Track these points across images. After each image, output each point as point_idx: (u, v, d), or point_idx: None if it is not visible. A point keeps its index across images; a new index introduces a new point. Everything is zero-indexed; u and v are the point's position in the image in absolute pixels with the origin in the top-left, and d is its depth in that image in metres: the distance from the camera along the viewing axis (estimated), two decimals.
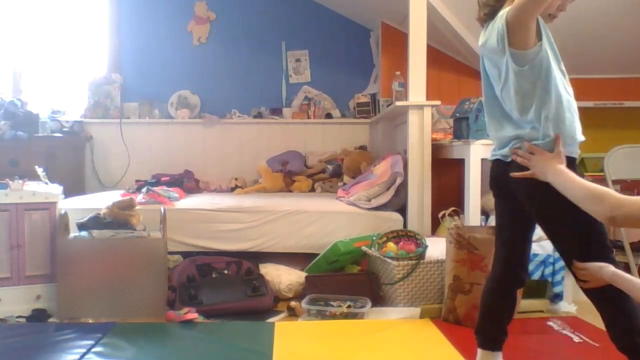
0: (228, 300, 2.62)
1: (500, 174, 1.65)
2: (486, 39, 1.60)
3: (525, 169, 1.51)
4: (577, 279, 1.46)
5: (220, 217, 3.06)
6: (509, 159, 1.58)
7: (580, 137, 1.54)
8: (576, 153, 1.54)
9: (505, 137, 1.61)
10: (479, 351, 1.73)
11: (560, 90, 1.51)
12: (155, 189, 3.31)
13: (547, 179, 1.43)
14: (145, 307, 2.53)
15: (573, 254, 1.50)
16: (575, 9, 1.46)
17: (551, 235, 1.57)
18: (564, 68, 1.55)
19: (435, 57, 3.89)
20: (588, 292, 1.46)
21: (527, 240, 1.70)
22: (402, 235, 2.86)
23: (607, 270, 1.27)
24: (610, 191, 1.21)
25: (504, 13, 1.49)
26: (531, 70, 1.49)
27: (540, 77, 1.49)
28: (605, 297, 1.42)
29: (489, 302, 1.73)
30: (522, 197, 1.57)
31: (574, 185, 1.31)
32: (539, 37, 1.48)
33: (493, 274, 1.74)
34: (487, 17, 1.61)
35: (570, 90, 1.55)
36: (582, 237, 1.47)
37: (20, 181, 2.64)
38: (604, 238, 1.47)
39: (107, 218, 2.67)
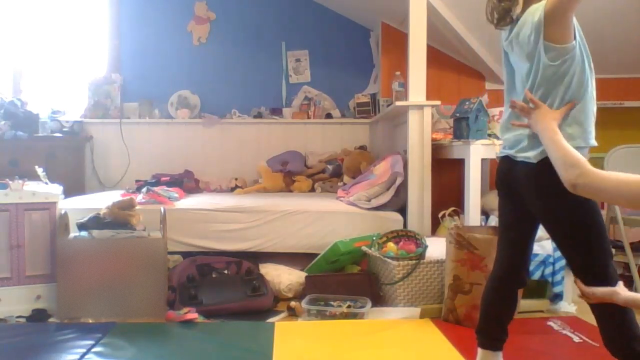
0: (228, 300, 2.62)
1: (507, 172, 1.64)
2: (517, 32, 1.57)
3: (532, 178, 1.51)
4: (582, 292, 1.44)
5: (220, 217, 3.06)
6: (518, 158, 1.58)
7: (594, 142, 1.52)
8: (586, 157, 1.52)
9: (522, 135, 1.58)
10: (480, 351, 1.73)
11: (589, 90, 1.51)
12: (155, 189, 3.31)
13: (537, 131, 1.46)
14: (145, 307, 2.53)
15: (574, 256, 1.51)
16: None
17: (553, 236, 1.57)
18: (592, 67, 1.54)
19: (435, 57, 3.89)
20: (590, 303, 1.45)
21: (530, 241, 1.70)
22: (402, 235, 2.86)
23: (619, 297, 1.25)
24: (584, 161, 1.24)
25: (540, 6, 1.48)
26: (562, 66, 1.47)
27: (569, 74, 1.48)
28: (605, 310, 1.42)
29: (490, 302, 1.73)
30: (527, 197, 1.56)
31: (556, 146, 1.34)
32: (574, 35, 1.47)
33: (494, 273, 1.74)
34: (505, 12, 1.60)
35: (595, 91, 1.54)
36: (584, 240, 1.47)
37: (20, 181, 2.64)
38: (605, 242, 1.47)
39: (107, 218, 2.67)
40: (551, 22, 1.45)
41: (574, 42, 1.47)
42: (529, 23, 1.51)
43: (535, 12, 1.49)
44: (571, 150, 1.30)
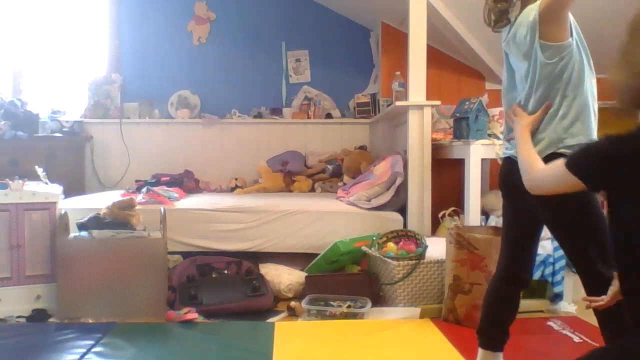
0: (228, 300, 2.63)
1: (509, 173, 1.65)
2: (514, 33, 1.59)
3: None
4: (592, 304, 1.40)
5: (220, 217, 3.06)
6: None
7: (595, 139, 1.53)
8: None
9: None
10: (480, 351, 1.73)
11: (589, 88, 1.51)
12: (155, 189, 3.31)
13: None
14: (145, 307, 2.53)
15: (576, 256, 1.51)
16: (574, 7, 1.46)
17: (555, 236, 1.58)
18: (592, 65, 1.55)
19: (435, 57, 3.88)
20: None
21: (533, 242, 1.69)
22: (402, 235, 2.86)
23: None
24: (537, 164, 1.31)
25: (535, 6, 1.50)
26: (560, 63, 1.48)
27: (567, 71, 1.49)
28: (607, 310, 1.42)
29: (491, 303, 1.73)
30: (529, 197, 1.56)
31: (522, 152, 1.40)
32: (570, 32, 1.49)
33: (497, 274, 1.73)
34: (501, 14, 1.61)
35: (595, 89, 1.55)
36: (585, 240, 1.47)
37: (20, 181, 2.64)
38: (607, 243, 1.47)
39: (107, 218, 2.67)
40: (546, 21, 1.47)
41: (570, 39, 1.48)
42: (525, 23, 1.53)
43: (530, 12, 1.51)
44: (528, 156, 1.36)
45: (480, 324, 1.75)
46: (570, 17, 1.49)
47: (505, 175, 1.68)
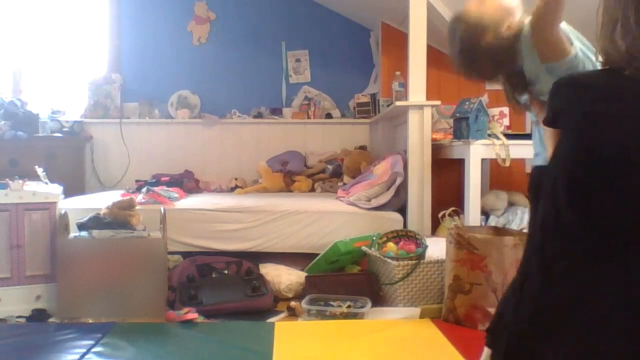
0: (228, 300, 2.62)
1: (536, 181, 1.65)
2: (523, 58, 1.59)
3: None
4: None
5: (220, 217, 3.06)
6: None
7: None
8: None
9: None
10: (486, 349, 1.73)
11: None
12: (155, 189, 3.31)
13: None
14: (145, 307, 2.52)
15: None
16: (573, 5, 1.47)
17: None
18: (599, 66, 1.56)
19: (435, 57, 3.87)
20: None
21: None
22: (402, 235, 2.86)
23: None
24: None
25: (526, 34, 1.51)
26: (571, 70, 1.47)
27: None
28: None
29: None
30: None
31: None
32: (570, 42, 1.48)
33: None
34: (520, 85, 1.65)
35: None
36: None
37: (20, 181, 2.64)
38: None
39: (107, 218, 2.67)
40: (539, 45, 1.47)
41: (572, 50, 1.47)
42: (525, 52, 1.54)
43: (524, 41, 1.52)
44: None
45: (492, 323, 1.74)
46: (566, 26, 1.49)
47: (534, 183, 1.68)
